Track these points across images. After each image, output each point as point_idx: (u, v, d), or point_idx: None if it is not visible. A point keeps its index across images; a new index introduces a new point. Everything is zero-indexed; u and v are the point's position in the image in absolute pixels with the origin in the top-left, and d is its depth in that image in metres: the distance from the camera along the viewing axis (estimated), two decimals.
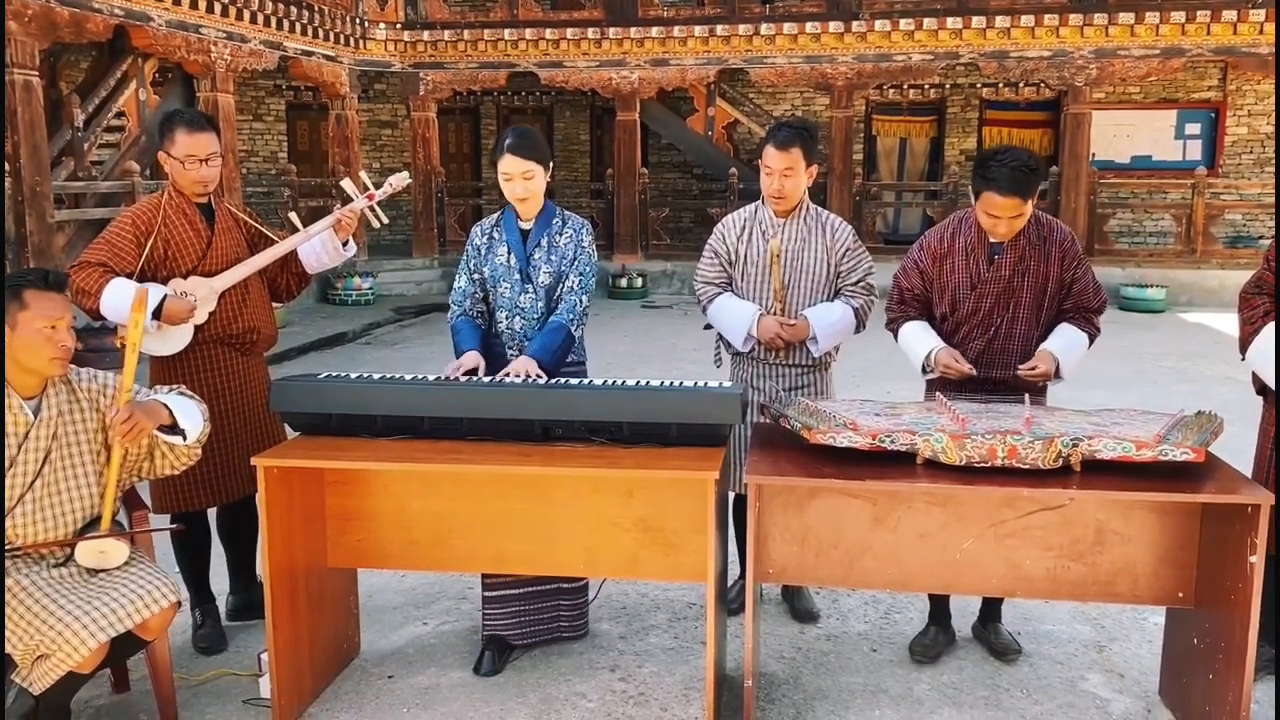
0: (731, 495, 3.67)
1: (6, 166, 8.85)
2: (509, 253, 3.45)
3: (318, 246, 3.73)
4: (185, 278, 3.46)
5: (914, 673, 3.41)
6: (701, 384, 3.09)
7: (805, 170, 3.58)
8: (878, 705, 3.20)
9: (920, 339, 3.47)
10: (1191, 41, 13.19)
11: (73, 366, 2.86)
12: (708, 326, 3.94)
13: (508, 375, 3.20)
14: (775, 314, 3.64)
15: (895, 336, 3.61)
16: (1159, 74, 13.73)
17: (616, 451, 2.95)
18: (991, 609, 3.59)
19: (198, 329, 3.46)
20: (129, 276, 3.36)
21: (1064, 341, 3.37)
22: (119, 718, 3.17)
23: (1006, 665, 3.45)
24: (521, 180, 3.34)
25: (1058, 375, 3.33)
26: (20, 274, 2.80)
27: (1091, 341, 3.45)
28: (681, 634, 3.69)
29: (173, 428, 2.91)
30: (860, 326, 3.71)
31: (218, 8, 11.41)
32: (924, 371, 3.49)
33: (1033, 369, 3.29)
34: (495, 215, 3.55)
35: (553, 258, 3.44)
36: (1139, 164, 15.92)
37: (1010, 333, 3.40)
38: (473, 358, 3.29)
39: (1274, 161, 15.04)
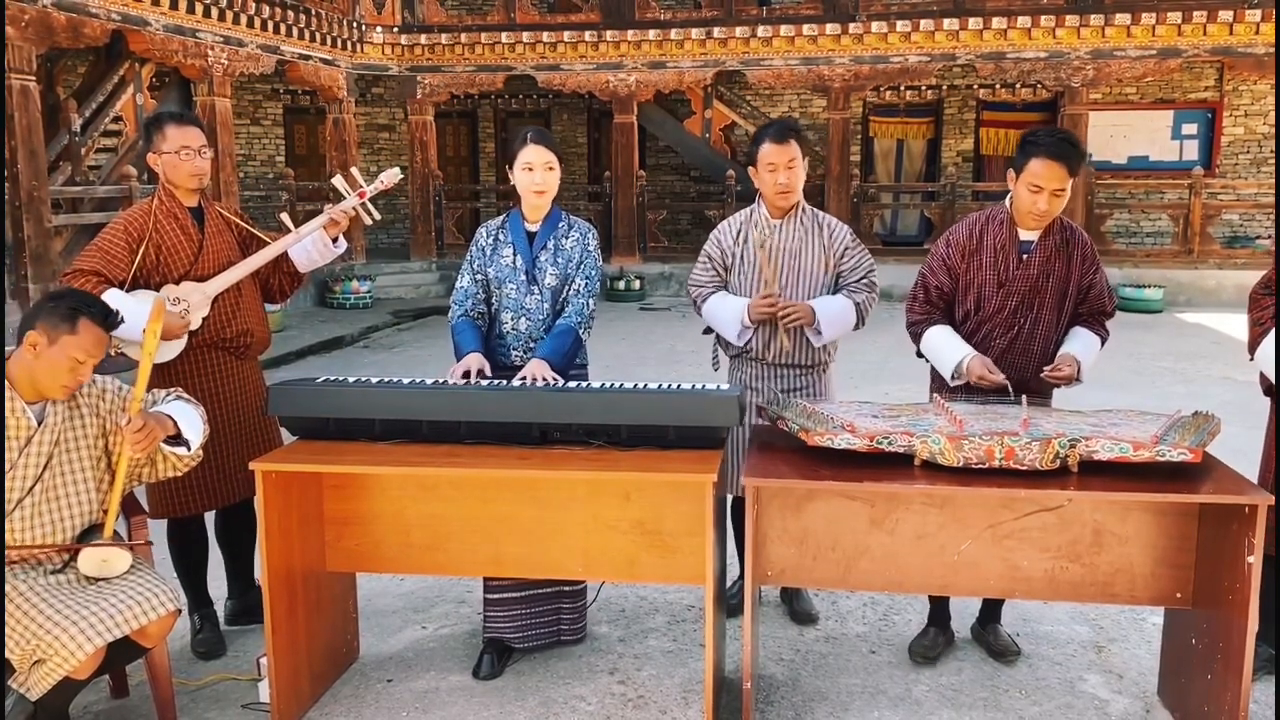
0: (729, 498, 3.66)
1: (5, 171, 8.84)
2: (515, 254, 3.46)
3: (308, 245, 3.73)
4: (178, 283, 3.46)
5: (913, 674, 3.41)
6: (699, 386, 3.10)
7: (802, 162, 3.61)
8: (877, 707, 3.20)
9: (951, 345, 3.40)
10: (1188, 42, 13.21)
11: None
12: (707, 331, 3.93)
13: (523, 379, 3.20)
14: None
15: (917, 340, 3.53)
16: (1155, 74, 13.75)
17: (614, 454, 2.95)
18: (990, 610, 3.59)
19: (192, 334, 3.46)
20: (121, 284, 3.35)
21: (1083, 345, 3.37)
22: None
23: (1005, 666, 3.45)
24: (543, 170, 3.37)
25: (1078, 378, 3.32)
26: (87, 301, 2.79)
27: (1103, 345, 3.45)
28: (680, 637, 3.69)
29: (176, 438, 2.91)
30: (860, 322, 3.69)
31: (215, 12, 11.41)
32: (952, 379, 3.41)
33: (1057, 371, 3.27)
34: (501, 217, 3.57)
35: (559, 260, 3.45)
36: (1136, 164, 15.94)
37: (1032, 333, 3.39)
38: (475, 359, 3.30)
39: (1272, 161, 15.06)
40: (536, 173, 3.37)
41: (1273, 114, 15.31)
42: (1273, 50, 12.75)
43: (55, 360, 2.70)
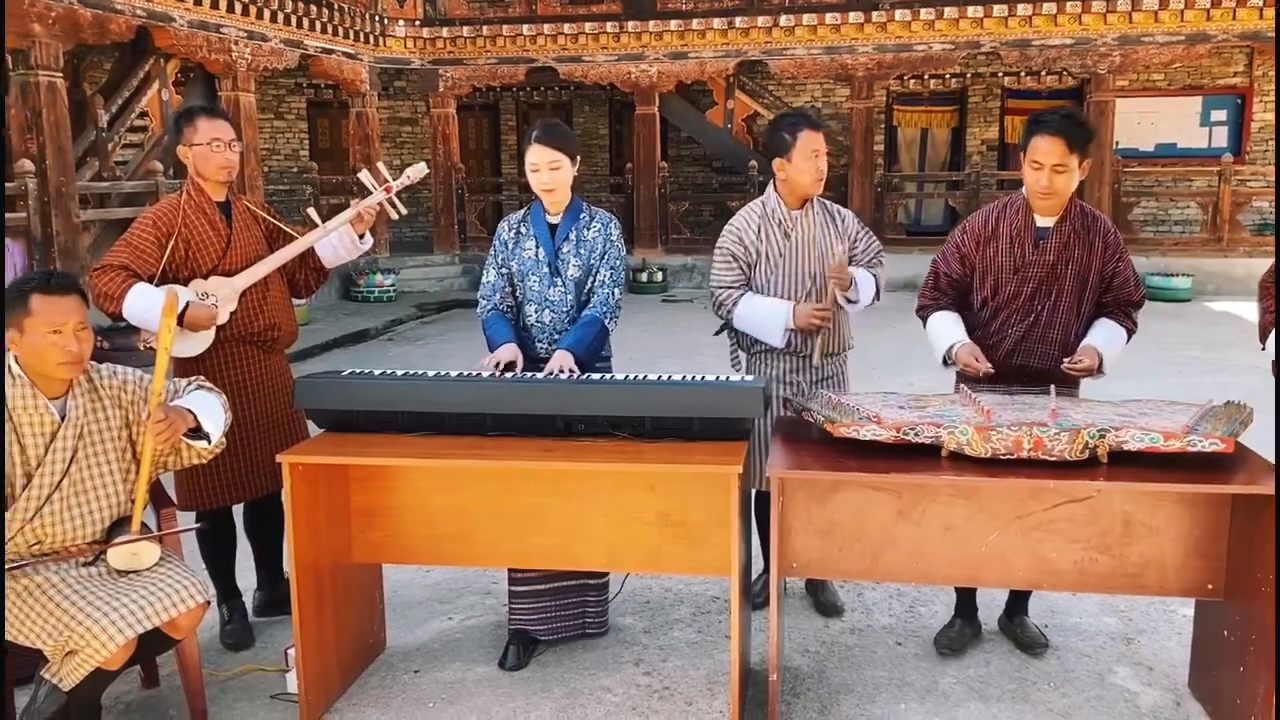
0: (752, 491, 3.65)
1: (32, 167, 8.93)
2: (537, 246, 3.46)
3: (335, 241, 3.74)
4: (206, 278, 3.48)
5: (940, 666, 3.39)
6: (723, 378, 3.09)
7: None
8: (903, 699, 3.18)
9: (946, 331, 3.43)
10: (1217, 27, 13.03)
11: (92, 363, 2.88)
12: (719, 332, 3.91)
13: (549, 374, 3.20)
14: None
15: (924, 325, 3.57)
16: (1184, 60, 13.57)
17: (639, 446, 2.94)
18: (1018, 602, 3.57)
19: (219, 328, 3.48)
20: (151, 279, 3.38)
21: (1106, 336, 3.34)
22: (149, 713, 3.20)
23: (1033, 658, 3.43)
24: (548, 170, 3.35)
25: (1100, 370, 3.30)
26: (26, 278, 2.80)
27: (1129, 337, 3.42)
28: (705, 628, 3.69)
29: (197, 431, 2.93)
30: (877, 295, 3.75)
31: (238, 7, 11.47)
32: (944, 364, 3.47)
33: (1077, 363, 3.25)
34: (523, 210, 3.57)
35: (581, 251, 3.45)
36: (1164, 151, 15.75)
37: (1051, 321, 3.36)
38: (510, 350, 3.30)
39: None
40: (542, 173, 3.36)
41: None
42: None
43: (33, 343, 2.71)
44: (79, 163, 9.99)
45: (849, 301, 3.62)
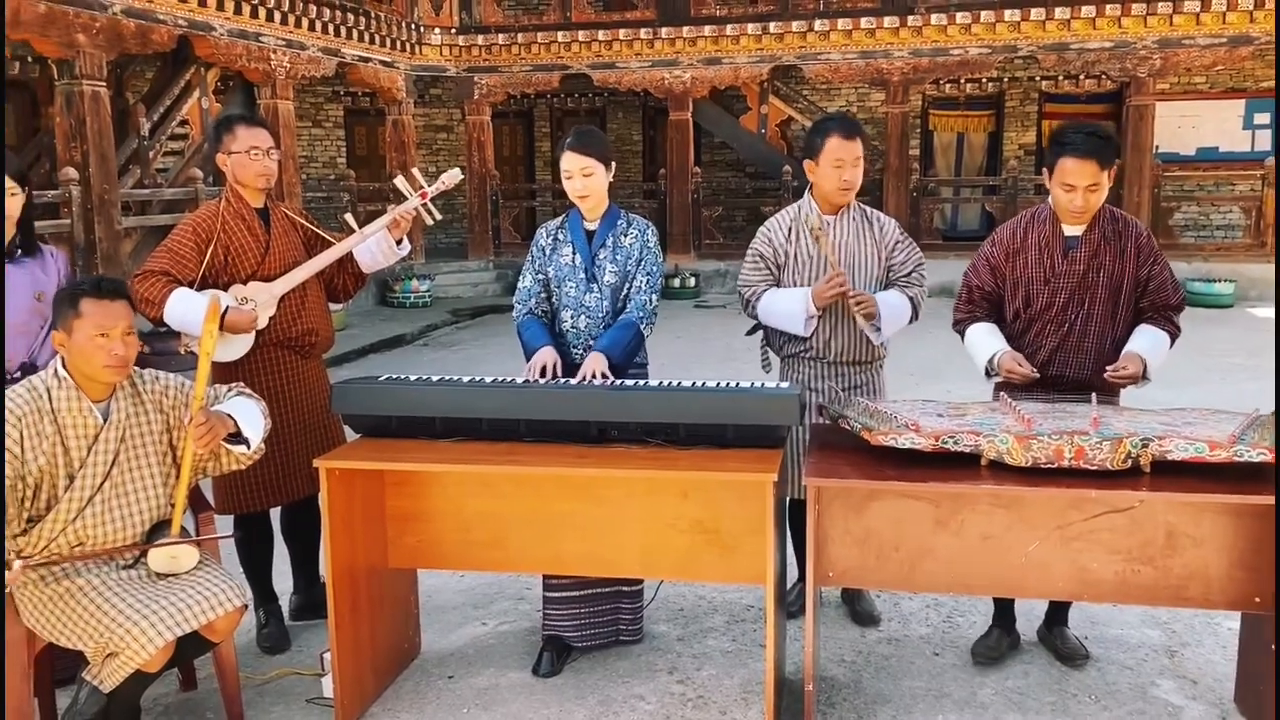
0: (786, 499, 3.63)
1: (76, 175, 9.09)
2: (574, 252, 3.47)
3: (373, 246, 3.76)
4: (245, 283, 3.51)
5: (978, 677, 3.35)
6: (758, 385, 3.07)
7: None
8: (941, 710, 3.15)
9: (985, 342, 3.40)
10: (1260, 29, 12.82)
11: (135, 368, 2.92)
12: (750, 332, 3.89)
13: (583, 377, 3.21)
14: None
15: (962, 338, 3.54)
16: (1226, 63, 13.37)
17: (673, 453, 2.93)
18: (1058, 613, 3.52)
19: (258, 333, 3.51)
20: (190, 284, 3.42)
21: (1149, 342, 3.29)
22: (187, 715, 3.23)
23: (1074, 670, 3.37)
24: (581, 177, 3.36)
25: (1144, 377, 3.25)
26: (78, 282, 2.87)
27: (1173, 341, 3.37)
28: (740, 637, 3.67)
29: (237, 436, 2.96)
30: (915, 316, 3.67)
31: (277, 16, 11.61)
32: (988, 375, 3.43)
33: (1120, 371, 3.20)
34: (560, 217, 3.58)
35: (618, 257, 3.45)
36: (1205, 155, 15.52)
37: (1085, 330, 3.32)
38: (549, 353, 3.31)
39: None
40: (576, 180, 3.37)
41: None
42: None
43: (81, 346, 2.75)
44: (121, 170, 10.15)
45: (874, 329, 3.56)
